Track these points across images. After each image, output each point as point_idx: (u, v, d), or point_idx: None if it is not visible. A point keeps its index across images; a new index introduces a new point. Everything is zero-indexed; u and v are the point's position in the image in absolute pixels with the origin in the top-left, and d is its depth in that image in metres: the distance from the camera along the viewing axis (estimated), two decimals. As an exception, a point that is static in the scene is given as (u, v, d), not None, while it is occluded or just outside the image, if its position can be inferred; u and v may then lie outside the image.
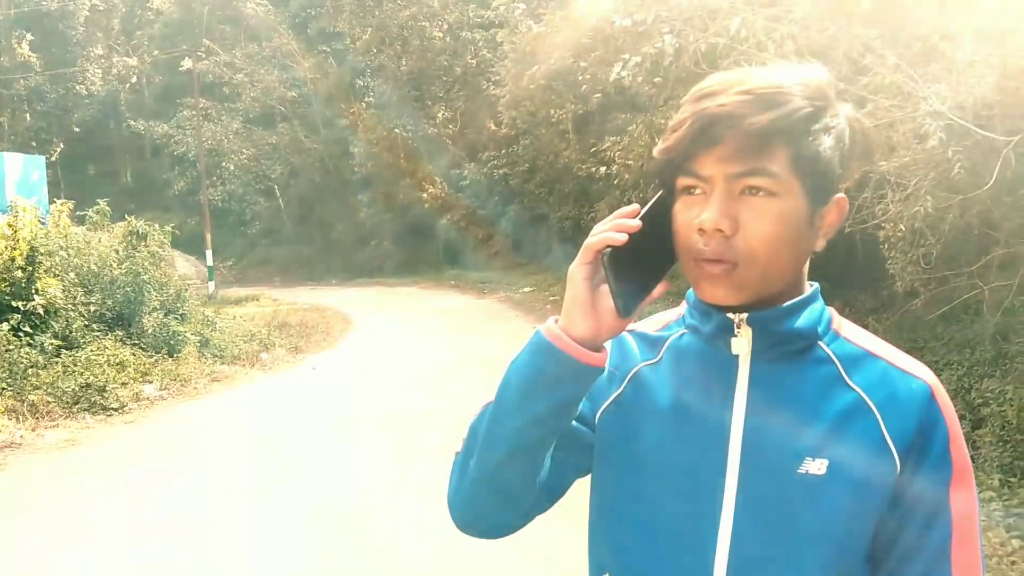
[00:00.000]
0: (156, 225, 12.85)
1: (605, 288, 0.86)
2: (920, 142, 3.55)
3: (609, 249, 0.84)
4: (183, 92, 32.77)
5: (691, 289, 0.95)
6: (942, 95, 3.46)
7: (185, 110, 31.46)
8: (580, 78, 8.38)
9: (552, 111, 17.40)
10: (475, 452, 0.94)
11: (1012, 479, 4.53)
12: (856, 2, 4.25)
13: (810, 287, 0.94)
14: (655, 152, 0.89)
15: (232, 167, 31.79)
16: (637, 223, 0.84)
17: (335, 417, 7.41)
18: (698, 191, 0.85)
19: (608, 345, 0.93)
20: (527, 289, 17.74)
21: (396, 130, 27.61)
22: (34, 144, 36.13)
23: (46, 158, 22.24)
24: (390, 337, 13.21)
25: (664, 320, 1.04)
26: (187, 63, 28.07)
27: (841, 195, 0.90)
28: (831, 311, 0.96)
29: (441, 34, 27.23)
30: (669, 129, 0.88)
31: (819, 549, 0.86)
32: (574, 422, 0.98)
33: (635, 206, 0.88)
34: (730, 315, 0.90)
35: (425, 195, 25.80)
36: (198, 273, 23.07)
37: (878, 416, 0.87)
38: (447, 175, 26.19)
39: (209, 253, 22.91)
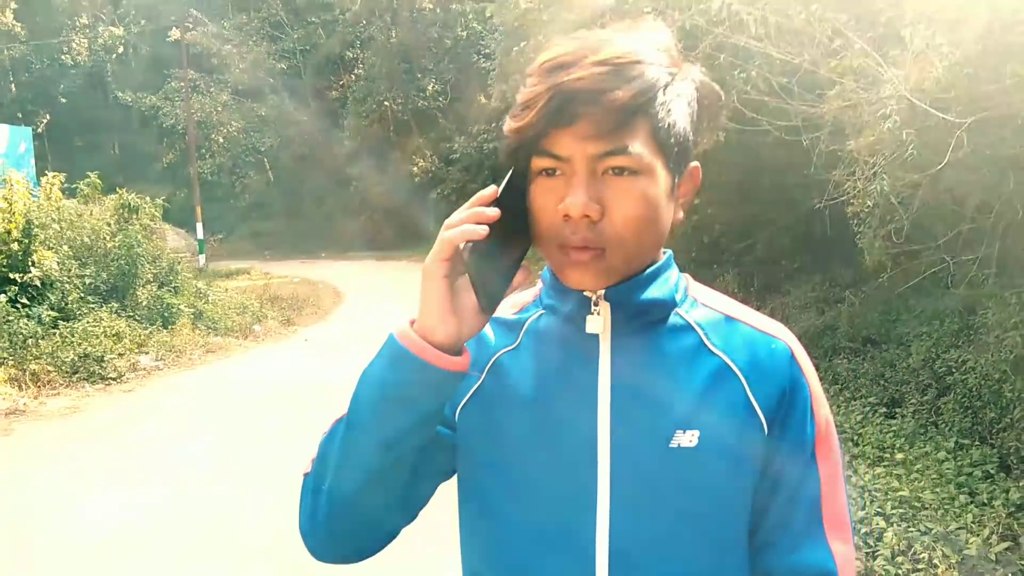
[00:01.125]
0: (147, 198, 12.96)
1: (462, 284, 0.81)
2: (882, 123, 3.77)
3: (471, 243, 0.78)
4: (171, 63, 32.53)
5: (546, 268, 0.92)
6: (902, 79, 3.67)
7: (173, 81, 31.30)
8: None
9: (542, 85, 17.49)
10: (327, 476, 0.86)
11: (966, 441, 4.81)
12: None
13: (663, 255, 0.91)
14: (505, 130, 0.82)
15: (221, 139, 31.74)
16: (495, 212, 0.79)
17: (327, 386, 7.64)
18: (557, 172, 0.80)
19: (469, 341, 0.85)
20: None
21: (386, 103, 27.60)
22: (19, 115, 35.85)
23: (32, 129, 22.16)
24: (381, 309, 13.42)
25: (520, 302, 0.98)
26: (175, 34, 27.89)
27: (695, 163, 0.88)
28: (686, 277, 0.95)
29: (431, 5, 27.14)
30: (519, 104, 0.81)
31: (701, 523, 0.84)
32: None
33: (492, 188, 0.81)
34: (587, 293, 0.87)
35: (416, 168, 25.89)
36: (188, 246, 23.12)
37: (743, 380, 0.86)
38: (437, 148, 26.25)
39: (199, 226, 22.98)
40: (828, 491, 0.87)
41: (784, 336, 0.90)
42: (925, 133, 3.93)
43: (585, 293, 0.86)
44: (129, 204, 12.23)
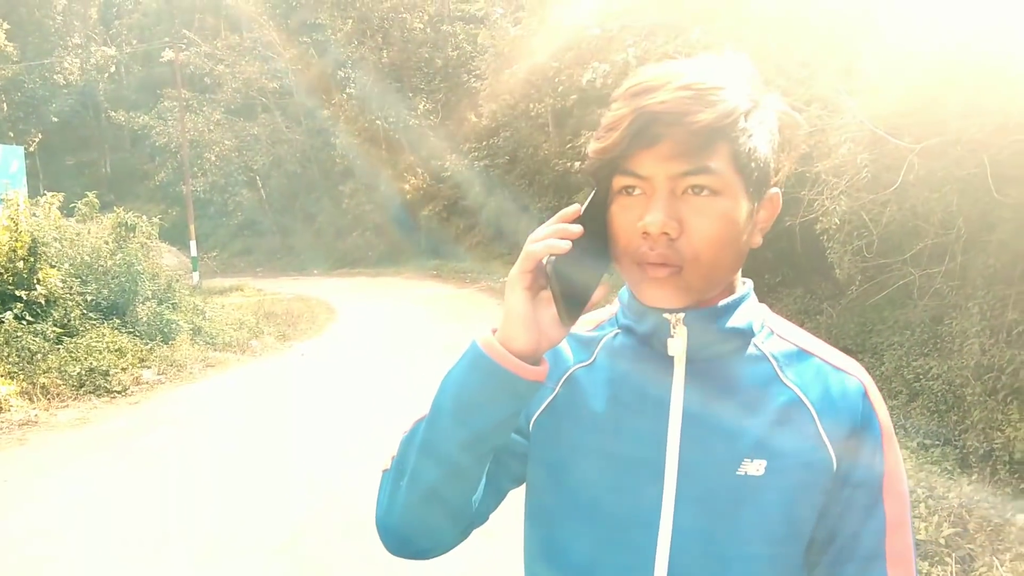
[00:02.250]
0: (143, 217, 13.23)
1: (544, 296, 0.84)
2: (841, 147, 4.13)
3: (554, 257, 0.81)
4: (163, 82, 32.84)
5: (624, 288, 0.94)
6: (858, 107, 4.03)
7: (166, 100, 31.54)
8: (556, 79, 8.90)
9: (531, 105, 17.85)
10: (407, 471, 0.89)
11: (928, 442, 5.15)
12: (796, 22, 4.82)
13: (743, 285, 0.93)
14: (589, 151, 0.85)
15: (213, 158, 31.88)
16: (579, 228, 0.81)
17: (324, 399, 7.93)
18: (637, 191, 0.82)
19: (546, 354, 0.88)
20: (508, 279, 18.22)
21: (378, 121, 27.90)
22: (11, 135, 35.87)
23: (24, 148, 22.29)
24: (374, 325, 13.71)
25: (596, 320, 1.01)
26: (168, 54, 28.17)
27: (775, 190, 0.89)
28: (764, 308, 0.96)
29: (422, 26, 27.53)
30: (604, 127, 0.84)
31: (759, 550, 0.85)
32: None
33: (576, 207, 0.84)
34: (667, 315, 0.88)
35: (407, 186, 26.18)
36: (181, 264, 23.28)
37: (814, 414, 0.86)
38: (429, 166, 26.57)
39: (193, 244, 23.18)
40: (894, 530, 0.87)
41: (857, 373, 0.90)
42: (882, 157, 4.29)
43: (664, 315, 0.88)
44: (127, 223, 12.50)
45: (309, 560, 4.12)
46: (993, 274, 5.61)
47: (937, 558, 3.44)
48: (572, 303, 0.83)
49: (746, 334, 0.90)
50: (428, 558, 0.97)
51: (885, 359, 7.08)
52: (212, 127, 31.57)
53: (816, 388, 0.88)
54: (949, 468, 4.67)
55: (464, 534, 0.98)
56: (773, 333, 0.93)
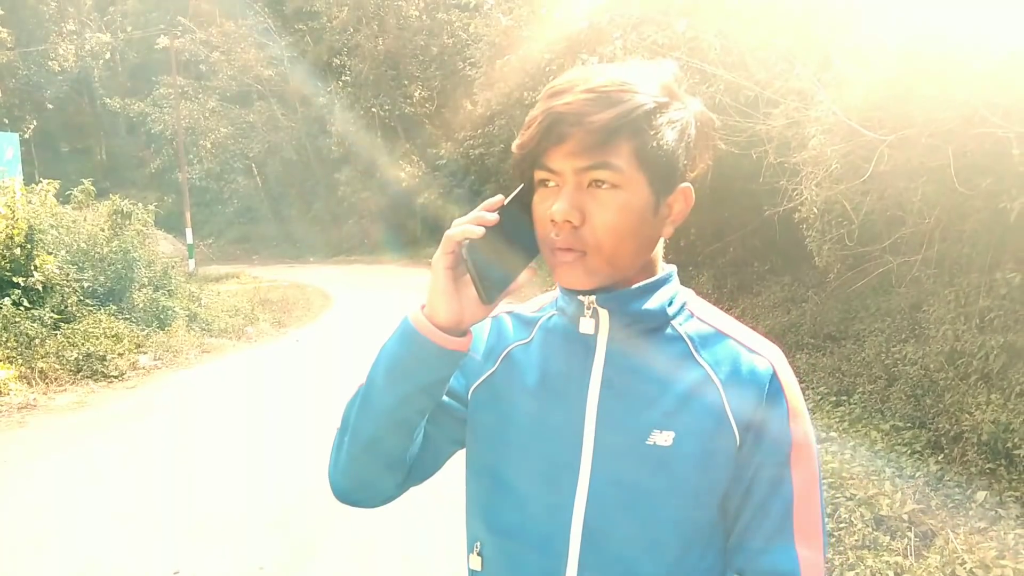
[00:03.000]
0: (139, 204, 13.34)
1: (468, 277, 0.92)
2: (812, 139, 4.26)
3: (467, 241, 0.89)
4: (158, 69, 32.75)
5: None
6: (833, 100, 4.17)
7: (161, 87, 31.49)
8: (547, 69, 9.01)
9: (526, 94, 17.88)
10: (349, 428, 1.00)
11: (900, 424, 5.31)
12: (777, 16, 4.94)
13: (664, 270, 1.00)
14: (512, 147, 0.93)
15: (209, 145, 31.89)
16: (494, 217, 0.90)
17: (317, 384, 8.08)
18: (552, 183, 0.90)
19: (476, 329, 1.00)
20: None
21: (373, 109, 27.96)
22: (6, 121, 35.81)
23: (19, 135, 22.30)
24: (369, 312, 13.85)
25: (540, 302, 1.10)
26: (163, 41, 28.09)
27: (686, 184, 0.95)
28: (688, 293, 1.03)
29: (418, 13, 27.52)
30: (524, 125, 0.92)
31: (667, 516, 0.92)
32: (448, 398, 1.05)
33: (499, 197, 0.93)
34: (581, 297, 0.96)
35: (403, 174, 26.25)
36: (177, 251, 23.39)
37: (721, 391, 0.93)
38: (424, 154, 26.64)
39: (189, 231, 23.27)
40: (801, 500, 0.92)
41: (769, 354, 0.97)
42: (857, 148, 4.42)
43: (579, 296, 0.96)
44: (122, 210, 12.62)
45: (299, 537, 4.28)
46: (967, 262, 5.76)
47: (899, 532, 3.61)
48: (491, 284, 0.91)
49: (661, 316, 0.97)
50: (371, 506, 1.09)
51: (866, 345, 7.23)
52: (208, 114, 31.57)
53: (726, 367, 0.95)
54: (919, 449, 4.84)
55: (401, 487, 1.07)
56: (693, 316, 1.00)
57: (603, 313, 0.97)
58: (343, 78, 29.06)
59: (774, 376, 0.94)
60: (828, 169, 4.46)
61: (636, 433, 0.93)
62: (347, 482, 1.05)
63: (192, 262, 21.77)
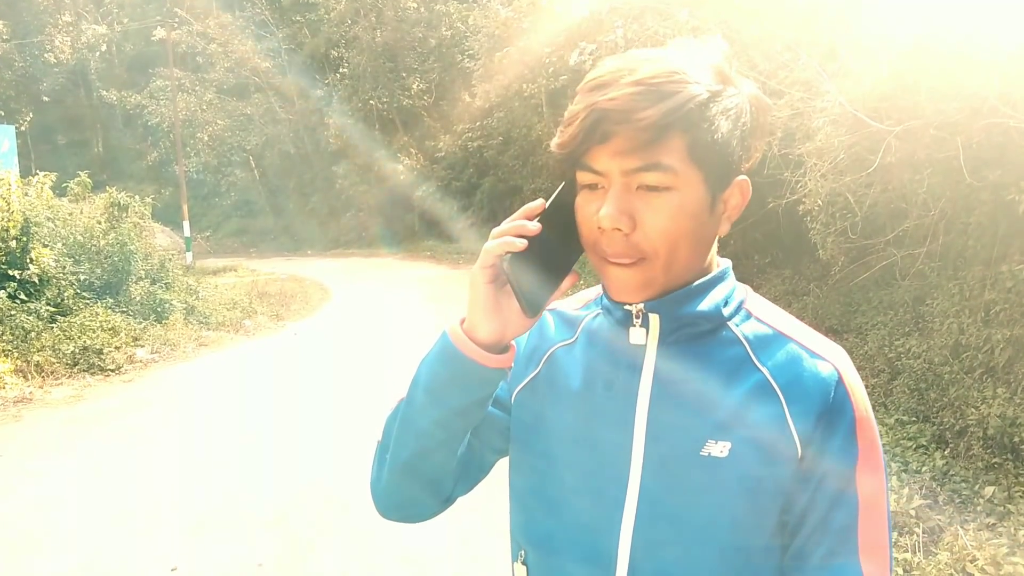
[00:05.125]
0: (136, 197, 13.26)
1: (509, 288, 0.87)
2: (819, 130, 4.20)
3: (509, 255, 0.84)
4: (155, 62, 32.61)
5: None
6: (837, 91, 4.11)
7: (158, 80, 31.34)
8: (547, 61, 8.94)
9: (525, 86, 17.83)
10: (391, 446, 0.97)
11: (905, 418, 5.26)
12: (781, 6, 4.88)
13: (719, 265, 0.92)
14: (552, 146, 0.86)
15: (206, 138, 31.78)
16: (536, 226, 0.84)
17: (316, 378, 8.03)
18: (598, 186, 0.83)
19: (516, 341, 0.93)
20: (500, 259, 18.26)
21: (371, 101, 27.81)
22: (2, 114, 35.65)
23: (15, 128, 22.21)
24: (367, 305, 13.80)
25: (584, 298, 1.04)
26: (160, 32, 27.96)
27: (743, 177, 0.88)
28: (744, 290, 0.95)
29: (416, 5, 27.38)
30: (564, 121, 0.84)
31: (719, 531, 0.85)
32: (491, 407, 1.01)
33: (540, 202, 0.87)
34: (627, 307, 0.90)
35: (401, 166, 26.14)
36: (174, 244, 23.31)
37: (782, 399, 0.85)
38: (422, 147, 26.54)
39: (186, 224, 23.18)
40: (866, 515, 0.85)
41: (834, 358, 0.88)
42: (862, 139, 4.36)
43: (626, 307, 0.90)
44: (119, 203, 12.55)
45: (298, 533, 4.23)
46: (972, 255, 5.71)
47: (906, 528, 3.56)
48: (535, 296, 0.87)
49: (716, 317, 0.89)
50: (413, 523, 1.06)
51: (869, 339, 7.19)
52: (205, 107, 31.43)
53: (788, 373, 0.86)
54: (924, 444, 4.79)
55: (445, 503, 1.04)
56: (751, 316, 0.92)
57: (653, 318, 0.89)
58: (341, 70, 28.93)
59: (839, 382, 0.86)
60: (834, 160, 4.40)
61: (689, 444, 0.86)
62: (390, 499, 1.03)
63: (189, 255, 21.68)
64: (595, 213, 0.82)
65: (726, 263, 0.93)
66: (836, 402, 0.85)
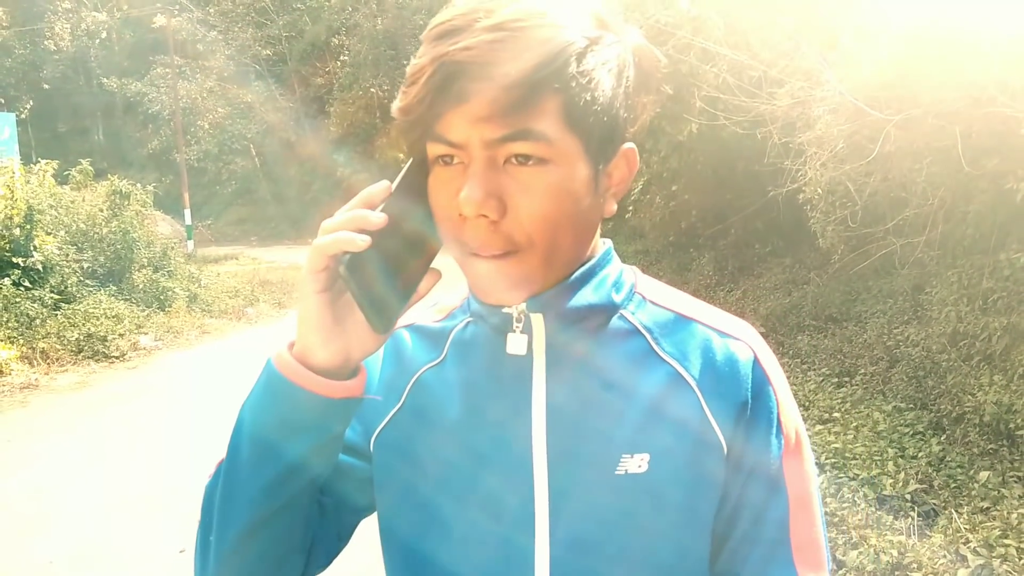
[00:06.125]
0: (137, 185, 13.30)
1: (350, 297, 0.69)
2: (821, 119, 4.24)
3: (347, 255, 0.65)
4: (155, 49, 32.55)
5: None
6: (840, 80, 4.14)
7: (158, 67, 31.33)
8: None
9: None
10: (214, 525, 0.75)
11: (903, 405, 5.32)
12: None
13: (601, 247, 0.78)
14: (393, 111, 0.68)
15: (207, 126, 31.80)
16: (380, 217, 0.66)
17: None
18: (456, 160, 0.66)
19: (366, 364, 0.74)
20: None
21: (372, 89, 27.79)
22: (2, 101, 35.61)
23: (16, 115, 22.19)
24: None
25: (446, 307, 0.86)
26: (160, 19, 27.91)
27: (629, 145, 0.73)
28: (633, 271, 0.82)
29: (416, -9, 27.35)
30: (407, 79, 0.67)
31: (652, 558, 0.73)
32: (344, 456, 0.80)
33: (384, 184, 0.69)
34: (506, 309, 0.75)
35: (401, 155, 26.12)
36: (175, 232, 23.33)
37: (697, 391, 0.74)
38: (423, 135, 26.54)
39: (187, 212, 23.22)
40: (797, 512, 0.76)
41: (746, 336, 0.78)
42: (862, 128, 4.40)
43: (504, 310, 0.75)
44: (121, 191, 12.58)
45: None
46: (971, 244, 5.74)
47: (902, 512, 3.62)
48: (384, 305, 0.67)
49: (608, 307, 0.76)
50: None
51: (868, 327, 7.25)
52: (205, 94, 31.40)
53: (698, 360, 0.76)
54: (921, 430, 4.85)
55: None
56: (645, 300, 0.80)
57: (536, 319, 0.74)
58: (341, 58, 28.91)
59: (756, 363, 0.76)
60: (833, 149, 4.44)
61: (601, 465, 0.73)
62: None
63: (191, 243, 21.72)
64: (453, 196, 0.66)
65: (606, 243, 0.79)
66: (756, 386, 0.75)
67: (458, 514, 0.77)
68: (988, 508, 3.56)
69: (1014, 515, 3.27)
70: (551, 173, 0.65)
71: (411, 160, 0.70)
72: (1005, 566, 2.84)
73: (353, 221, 0.66)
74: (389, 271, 0.67)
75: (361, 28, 27.89)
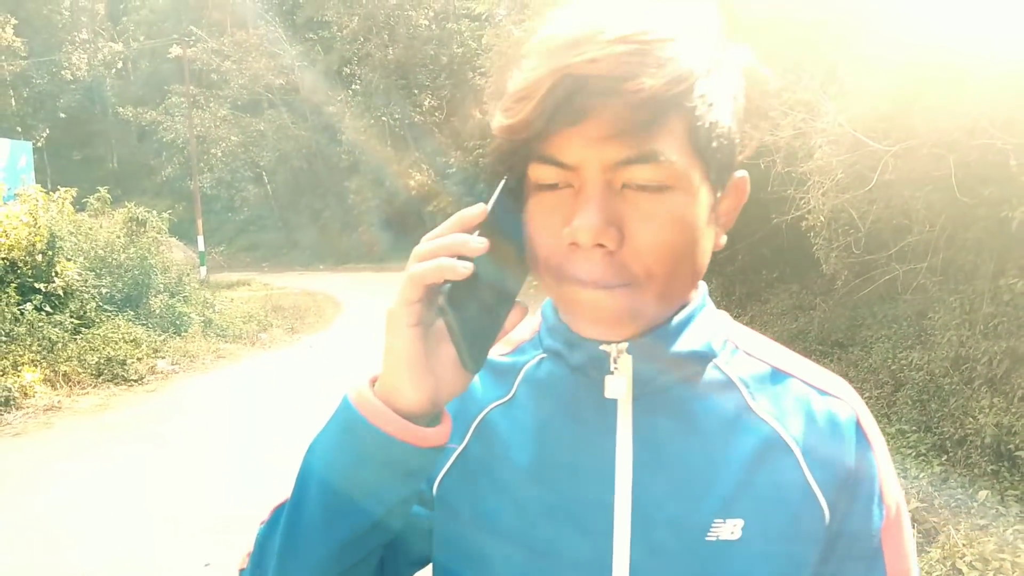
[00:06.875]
0: (153, 212, 13.58)
1: (439, 330, 0.63)
2: (820, 149, 4.42)
3: (449, 285, 0.60)
4: (170, 78, 33.17)
5: (549, 301, 0.74)
6: (839, 111, 4.32)
7: (173, 96, 31.88)
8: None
9: (535, 103, 18.03)
10: None
11: (906, 428, 5.43)
12: (777, 28, 5.10)
13: (698, 290, 0.72)
14: (495, 127, 0.63)
15: (220, 154, 32.24)
16: (483, 243, 0.60)
17: (333, 387, 8.24)
18: (562, 185, 0.61)
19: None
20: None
21: (383, 118, 28.21)
22: (19, 130, 36.23)
23: (32, 144, 22.59)
24: (380, 319, 13.92)
25: (514, 340, 0.78)
26: (175, 50, 28.47)
27: (743, 173, 0.69)
28: (725, 317, 0.76)
29: (427, 22, 27.83)
30: (515, 94, 0.61)
31: None
32: None
33: (480, 207, 0.62)
34: (605, 347, 0.68)
35: (412, 182, 26.47)
36: (187, 259, 23.57)
37: (798, 454, 0.69)
38: (434, 163, 26.86)
39: (200, 239, 23.53)
40: None
41: (846, 396, 0.72)
42: (862, 159, 4.57)
43: (601, 347, 0.68)
44: (137, 218, 12.85)
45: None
46: (972, 270, 5.88)
47: (903, 530, 3.73)
48: (480, 338, 0.63)
49: (706, 357, 0.70)
50: None
51: (873, 352, 7.36)
52: (218, 123, 31.89)
53: (798, 419, 0.70)
54: (924, 452, 4.96)
55: None
56: (739, 350, 0.74)
57: (624, 361, 0.68)
58: (353, 87, 29.36)
59: (858, 425, 0.71)
60: (834, 178, 4.61)
61: (692, 528, 0.67)
62: None
63: (203, 269, 21.99)
64: (560, 223, 0.61)
65: (703, 286, 0.73)
66: (859, 452, 0.70)
67: (523, 567, 0.70)
68: (986, 525, 3.67)
69: (1009, 531, 3.38)
70: (673, 200, 0.60)
71: (503, 181, 0.64)
72: (1000, 579, 2.95)
73: (452, 247, 0.60)
74: (485, 302, 0.62)
75: (373, 58, 28.36)
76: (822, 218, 5.42)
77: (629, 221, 0.60)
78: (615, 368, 0.68)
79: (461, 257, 0.60)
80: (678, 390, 0.70)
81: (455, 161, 25.02)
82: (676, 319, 0.69)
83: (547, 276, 0.64)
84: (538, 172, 0.61)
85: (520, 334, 0.79)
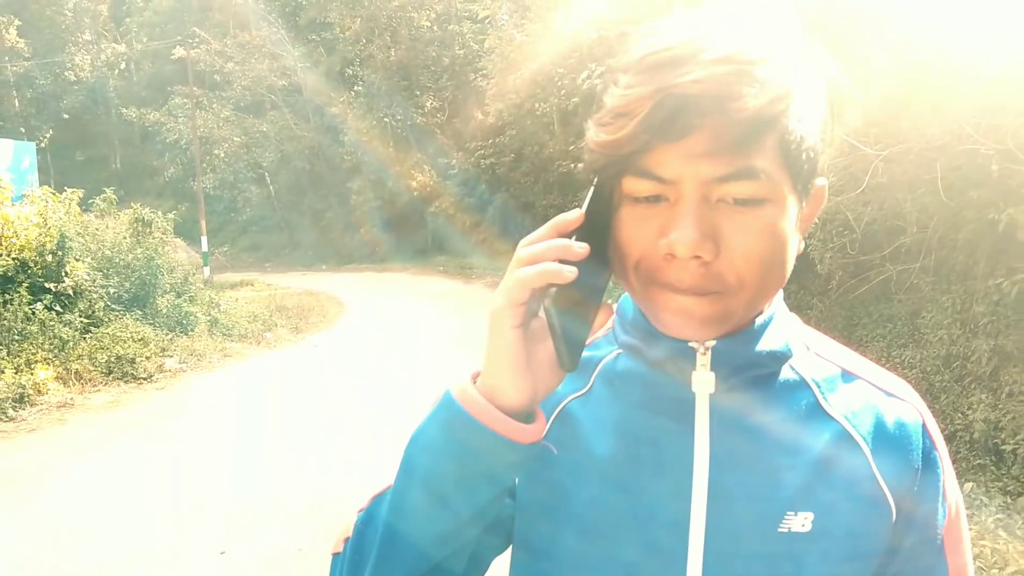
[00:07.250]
0: (159, 213, 13.74)
1: (536, 330, 0.67)
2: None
3: (553, 287, 0.64)
4: (172, 80, 33.33)
5: (624, 297, 0.77)
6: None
7: (176, 97, 32.04)
8: (559, 82, 9.35)
9: (537, 105, 18.23)
10: (369, 564, 0.73)
11: (899, 423, 5.58)
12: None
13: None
14: (592, 142, 0.65)
15: (222, 155, 32.38)
16: (584, 247, 0.64)
17: (337, 386, 8.40)
18: (658, 199, 0.64)
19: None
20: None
21: (385, 119, 28.34)
22: (23, 130, 36.37)
23: (35, 144, 22.73)
24: (383, 319, 14.19)
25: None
26: (179, 51, 28.64)
27: (823, 181, 0.72)
28: (796, 319, 0.79)
29: (429, 24, 27.97)
30: (611, 109, 0.63)
31: None
32: None
33: (577, 212, 0.65)
34: (692, 344, 0.71)
35: (414, 183, 26.61)
36: (191, 259, 23.69)
37: (867, 453, 0.72)
38: (435, 163, 27.01)
39: (204, 239, 23.68)
40: None
41: (912, 398, 0.76)
42: (855, 162, 4.72)
43: (691, 344, 0.71)
44: (143, 218, 13.02)
45: (329, 524, 4.58)
46: (963, 270, 6.04)
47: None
48: (578, 339, 0.66)
49: (783, 357, 0.73)
50: None
51: (869, 351, 7.50)
52: (221, 124, 32.03)
53: (867, 420, 0.73)
54: (913, 446, 5.11)
55: None
56: (810, 351, 0.77)
57: (701, 358, 0.72)
58: (356, 88, 29.49)
59: (924, 428, 0.74)
60: (828, 182, 4.76)
61: (764, 518, 0.70)
62: None
63: (207, 269, 22.14)
64: (656, 234, 0.64)
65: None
66: (926, 454, 0.73)
67: (606, 558, 0.73)
68: (969, 515, 3.82)
69: (991, 520, 3.53)
70: (766, 213, 0.63)
71: (593, 187, 0.67)
72: (979, 563, 3.10)
73: (556, 251, 0.64)
74: (580, 303, 0.66)
75: (375, 59, 28.50)
76: (816, 219, 5.57)
77: (724, 234, 0.63)
78: (702, 363, 0.71)
79: (563, 261, 0.63)
80: (755, 388, 0.73)
81: (457, 162, 25.17)
82: (758, 320, 0.72)
83: (635, 280, 0.67)
84: (633, 184, 0.64)
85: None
